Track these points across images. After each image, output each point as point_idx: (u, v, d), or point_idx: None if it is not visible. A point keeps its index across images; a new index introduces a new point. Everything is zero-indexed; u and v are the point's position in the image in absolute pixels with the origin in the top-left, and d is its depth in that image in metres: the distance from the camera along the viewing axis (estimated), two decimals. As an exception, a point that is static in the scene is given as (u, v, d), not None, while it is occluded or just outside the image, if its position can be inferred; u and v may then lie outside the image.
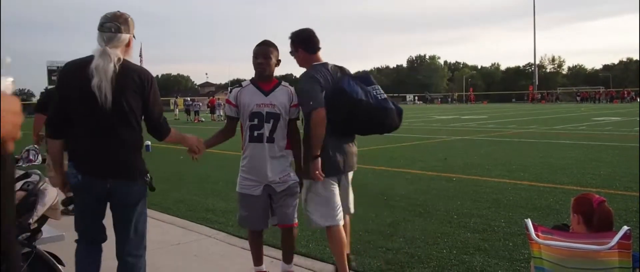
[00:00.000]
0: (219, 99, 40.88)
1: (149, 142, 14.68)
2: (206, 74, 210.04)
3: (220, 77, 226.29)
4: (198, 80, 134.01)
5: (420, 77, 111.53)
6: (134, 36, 3.13)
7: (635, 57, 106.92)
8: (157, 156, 13.32)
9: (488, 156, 11.58)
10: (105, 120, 2.95)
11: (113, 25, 2.98)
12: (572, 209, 2.64)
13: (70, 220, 3.42)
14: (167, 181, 9.06)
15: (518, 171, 9.17)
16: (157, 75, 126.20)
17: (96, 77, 2.86)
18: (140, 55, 71.92)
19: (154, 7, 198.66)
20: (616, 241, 2.28)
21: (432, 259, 4.41)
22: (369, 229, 5.40)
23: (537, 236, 2.53)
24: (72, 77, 2.98)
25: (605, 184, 7.71)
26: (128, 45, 3.09)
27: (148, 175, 3.28)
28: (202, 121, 34.19)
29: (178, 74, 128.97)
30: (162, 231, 5.67)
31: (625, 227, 2.30)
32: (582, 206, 2.60)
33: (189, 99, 40.83)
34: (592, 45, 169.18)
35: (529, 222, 2.57)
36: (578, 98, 73.42)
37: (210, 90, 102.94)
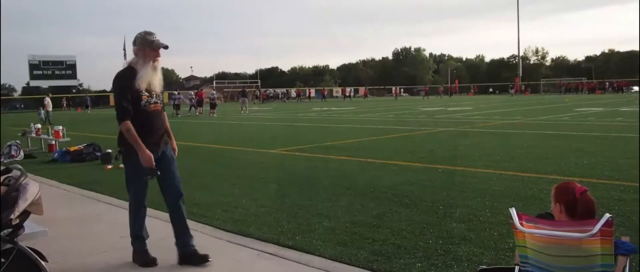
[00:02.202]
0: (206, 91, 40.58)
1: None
2: (191, 67, 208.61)
3: (205, 71, 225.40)
4: (183, 73, 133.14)
5: (406, 69, 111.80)
6: (140, 48, 4.09)
7: (617, 49, 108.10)
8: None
9: (474, 146, 11.65)
10: None
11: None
12: (554, 198, 2.66)
13: (53, 215, 3.39)
14: (153, 175, 9.02)
15: (503, 161, 9.24)
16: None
17: None
18: (124, 49, 71.30)
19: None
20: (598, 229, 2.30)
21: (418, 250, 4.43)
22: (356, 221, 5.41)
23: (522, 224, 2.54)
24: None
25: (587, 173, 7.80)
26: (136, 55, 4.13)
27: (119, 146, 4.21)
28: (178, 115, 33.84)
29: (163, 68, 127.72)
30: (147, 226, 5.62)
31: (607, 215, 2.32)
32: (564, 195, 2.61)
33: (177, 92, 40.38)
34: (574, 37, 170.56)
35: (514, 211, 2.58)
36: (562, 89, 74.20)
37: (195, 83, 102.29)
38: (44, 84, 67.89)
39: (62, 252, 4.64)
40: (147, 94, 4.08)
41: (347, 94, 75.65)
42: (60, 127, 13.62)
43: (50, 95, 31.99)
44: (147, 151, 3.99)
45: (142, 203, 4.36)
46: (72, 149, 11.63)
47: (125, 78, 4.05)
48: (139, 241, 4.38)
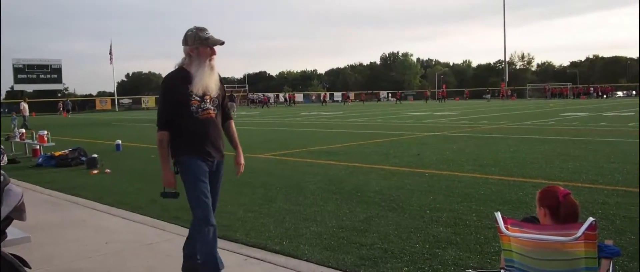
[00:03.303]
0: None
1: (119, 141, 14.52)
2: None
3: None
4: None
5: (394, 74, 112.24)
6: (193, 47, 3.60)
7: (601, 54, 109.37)
8: (129, 154, 13.14)
9: (460, 151, 11.71)
10: None
11: None
12: (538, 202, 2.68)
13: (36, 221, 3.36)
14: (139, 179, 8.97)
15: (489, 165, 9.30)
16: (128, 73, 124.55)
17: None
18: (110, 53, 70.99)
19: (122, 0, 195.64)
20: (582, 232, 2.33)
21: (405, 254, 4.44)
22: (343, 225, 5.42)
23: (507, 228, 2.56)
24: None
25: (572, 177, 7.87)
26: (188, 55, 3.63)
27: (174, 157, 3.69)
28: None
29: (149, 72, 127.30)
30: (134, 230, 5.61)
31: (591, 219, 2.35)
32: (547, 199, 2.64)
33: None
34: (560, 43, 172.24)
35: (499, 215, 2.60)
36: (548, 94, 74.99)
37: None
38: (29, 88, 67.36)
39: (46, 259, 4.59)
40: (198, 99, 3.58)
41: (348, 98, 76.49)
42: (45, 132, 13.50)
43: (27, 100, 31.51)
44: (170, 172, 3.62)
45: (210, 219, 3.63)
46: (57, 153, 11.53)
47: (173, 81, 3.62)
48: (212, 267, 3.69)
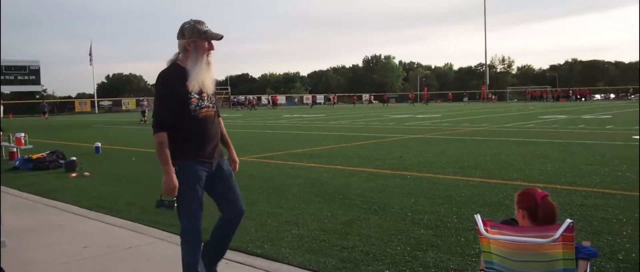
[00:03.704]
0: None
1: (99, 144, 14.35)
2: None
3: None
4: (152, 80, 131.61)
5: (376, 76, 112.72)
6: (190, 40, 3.38)
7: (580, 58, 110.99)
8: (109, 157, 13.00)
9: (442, 153, 11.78)
10: None
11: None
12: (517, 205, 2.70)
13: (13, 225, 3.30)
14: (118, 183, 8.87)
15: (470, 167, 9.36)
16: (108, 75, 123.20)
17: None
18: (90, 54, 70.24)
19: (103, 2, 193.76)
20: (560, 234, 2.35)
21: (386, 256, 4.44)
22: (325, 228, 5.41)
23: (486, 230, 2.58)
24: None
25: (551, 179, 7.95)
26: (185, 49, 3.40)
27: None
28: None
29: (130, 74, 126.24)
30: (112, 235, 5.54)
31: (568, 220, 2.37)
32: (526, 201, 2.66)
33: (143, 99, 39.78)
34: (539, 46, 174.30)
35: (479, 217, 2.62)
36: (528, 96, 75.99)
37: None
38: (6, 89, 66.39)
39: (23, 264, 4.51)
40: (197, 97, 3.39)
41: (329, 100, 76.82)
42: (22, 134, 13.30)
43: (2, 102, 31.03)
44: (173, 177, 3.30)
45: (198, 230, 3.53)
46: (34, 156, 11.36)
47: (168, 78, 3.38)
48: None
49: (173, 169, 3.30)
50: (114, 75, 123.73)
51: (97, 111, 67.02)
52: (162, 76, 3.40)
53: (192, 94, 3.37)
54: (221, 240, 3.75)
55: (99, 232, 5.67)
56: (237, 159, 3.87)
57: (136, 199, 7.34)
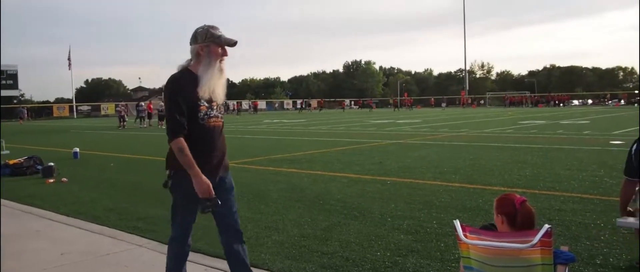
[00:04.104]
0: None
1: (77, 149, 14.18)
2: (139, 78, 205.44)
3: (154, 81, 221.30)
4: (131, 84, 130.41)
5: (356, 82, 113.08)
6: (204, 44, 3.26)
7: (558, 64, 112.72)
8: (87, 162, 12.84)
9: (422, 159, 11.84)
10: None
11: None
12: (496, 210, 2.72)
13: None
14: (97, 188, 8.76)
15: (450, 173, 9.42)
16: (87, 80, 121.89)
17: None
18: (69, 59, 69.41)
19: (82, 5, 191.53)
20: (538, 239, 2.37)
21: (366, 262, 4.44)
22: (305, 234, 5.39)
23: (466, 236, 2.59)
24: None
25: (530, 184, 8.03)
26: (197, 54, 3.28)
27: (167, 170, 3.32)
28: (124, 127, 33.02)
29: (110, 78, 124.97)
30: (90, 241, 5.47)
31: (547, 226, 2.39)
32: (504, 206, 2.68)
33: (122, 104, 39.25)
34: (518, 52, 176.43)
35: (458, 223, 2.63)
36: (507, 102, 76.94)
37: (143, 95, 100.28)
38: (-17, 94, 65.23)
39: (-2, 271, 4.43)
40: (206, 105, 3.24)
41: (309, 105, 76.93)
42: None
43: None
44: (205, 178, 3.16)
45: (187, 240, 3.49)
46: (11, 162, 11.17)
47: (180, 83, 3.24)
48: None
49: (200, 171, 3.15)
50: (93, 80, 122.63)
51: (75, 116, 66.18)
52: (172, 80, 3.25)
53: (202, 101, 3.22)
54: (235, 266, 3.54)
55: (76, 239, 5.59)
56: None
57: (115, 204, 7.26)
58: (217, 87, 3.27)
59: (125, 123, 33.61)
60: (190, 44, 3.31)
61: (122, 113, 34.26)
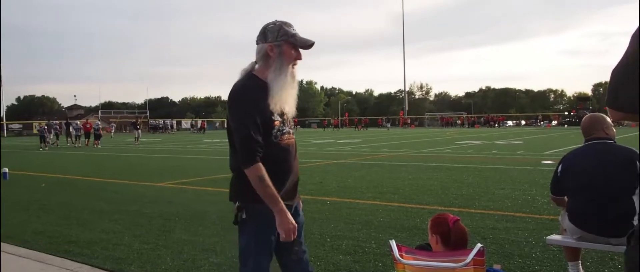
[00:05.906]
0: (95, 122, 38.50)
1: (6, 169, 13.52)
2: (75, 96, 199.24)
3: (90, 100, 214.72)
4: (66, 102, 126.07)
5: (298, 101, 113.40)
6: (275, 43, 2.65)
7: (493, 86, 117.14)
8: (17, 183, 12.25)
9: (362, 178, 11.96)
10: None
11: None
12: (430, 230, 2.78)
13: None
14: (26, 210, 8.35)
15: (389, 192, 9.54)
16: (19, 97, 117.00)
17: None
18: (-1, 77, 66.52)
19: (16, 19, 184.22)
20: (471, 258, 2.43)
21: (305, 283, 4.41)
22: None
23: (401, 256, 2.63)
24: None
25: (466, 203, 8.24)
26: (266, 56, 2.67)
27: (237, 202, 2.78)
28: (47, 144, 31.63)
29: (43, 96, 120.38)
30: (18, 267, 5.20)
31: (479, 245, 2.46)
32: (438, 226, 2.74)
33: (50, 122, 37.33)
34: (456, 74, 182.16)
35: (393, 243, 2.67)
36: (444, 122, 79.15)
37: (79, 113, 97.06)
38: None
39: None
40: (279, 120, 2.68)
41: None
42: None
43: None
44: (289, 217, 2.64)
45: None
46: None
47: (253, 92, 2.62)
48: None
49: (285, 207, 2.64)
50: (25, 97, 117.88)
51: (5, 135, 63.25)
52: (243, 89, 2.64)
53: (275, 115, 2.65)
54: None
55: (3, 264, 5.30)
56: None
57: (45, 227, 6.95)
58: (290, 97, 2.71)
59: (48, 142, 31.55)
60: (257, 43, 2.69)
61: (44, 133, 31.69)
